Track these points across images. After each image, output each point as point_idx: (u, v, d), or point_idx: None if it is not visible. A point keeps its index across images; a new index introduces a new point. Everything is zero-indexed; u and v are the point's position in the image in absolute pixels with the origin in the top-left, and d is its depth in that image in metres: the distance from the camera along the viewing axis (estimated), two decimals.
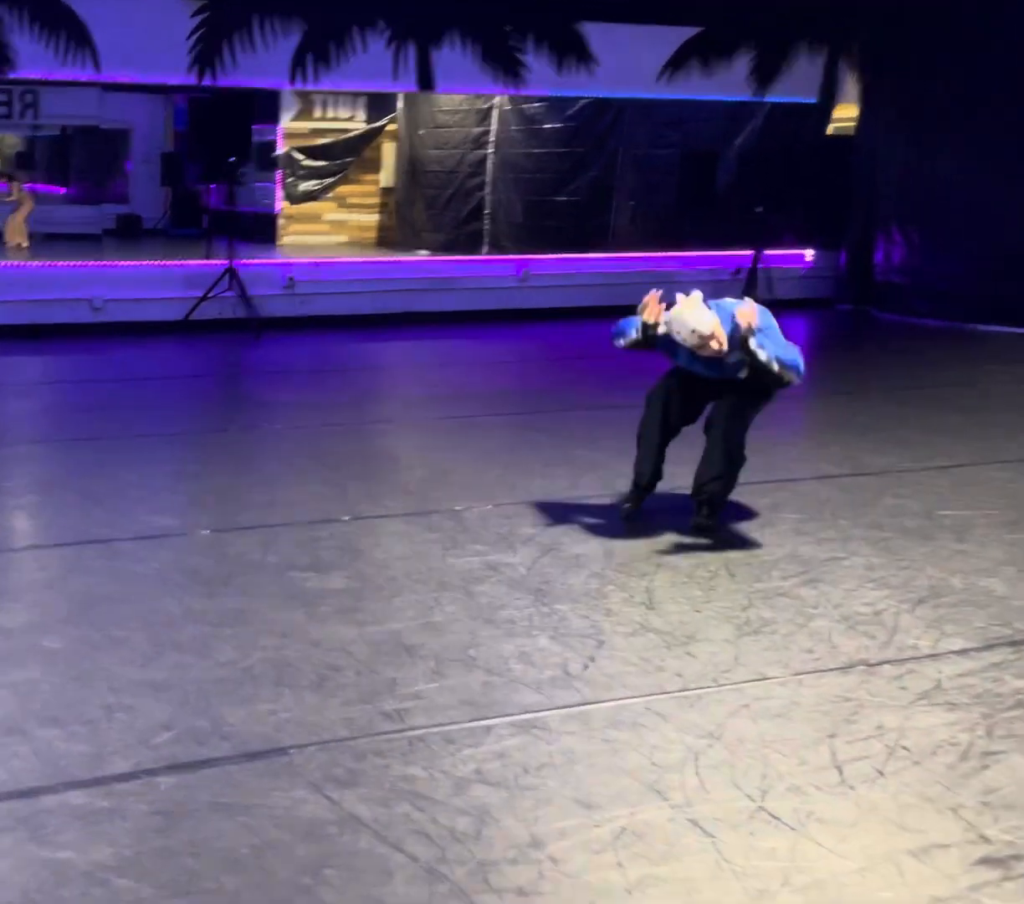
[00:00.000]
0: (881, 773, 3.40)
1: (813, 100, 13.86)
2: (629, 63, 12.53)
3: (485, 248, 16.91)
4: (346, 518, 5.64)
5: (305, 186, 18.40)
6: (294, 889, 2.81)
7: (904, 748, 3.54)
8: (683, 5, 12.59)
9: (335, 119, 18.63)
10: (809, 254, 14.26)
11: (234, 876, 2.85)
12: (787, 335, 5.47)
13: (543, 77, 12.11)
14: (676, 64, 12.87)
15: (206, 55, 10.62)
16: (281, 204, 18.38)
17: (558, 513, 5.75)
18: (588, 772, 3.36)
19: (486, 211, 17.12)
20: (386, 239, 19.20)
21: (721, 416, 5.54)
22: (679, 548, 5.30)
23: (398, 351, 11.04)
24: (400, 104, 18.19)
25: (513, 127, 16.70)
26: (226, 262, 10.94)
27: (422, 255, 16.91)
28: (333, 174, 18.62)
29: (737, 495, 6.05)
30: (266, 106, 17.87)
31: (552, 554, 5.18)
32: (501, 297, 12.55)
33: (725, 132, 14.39)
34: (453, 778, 3.31)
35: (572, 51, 12.21)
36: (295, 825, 3.07)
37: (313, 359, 10.38)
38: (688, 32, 12.80)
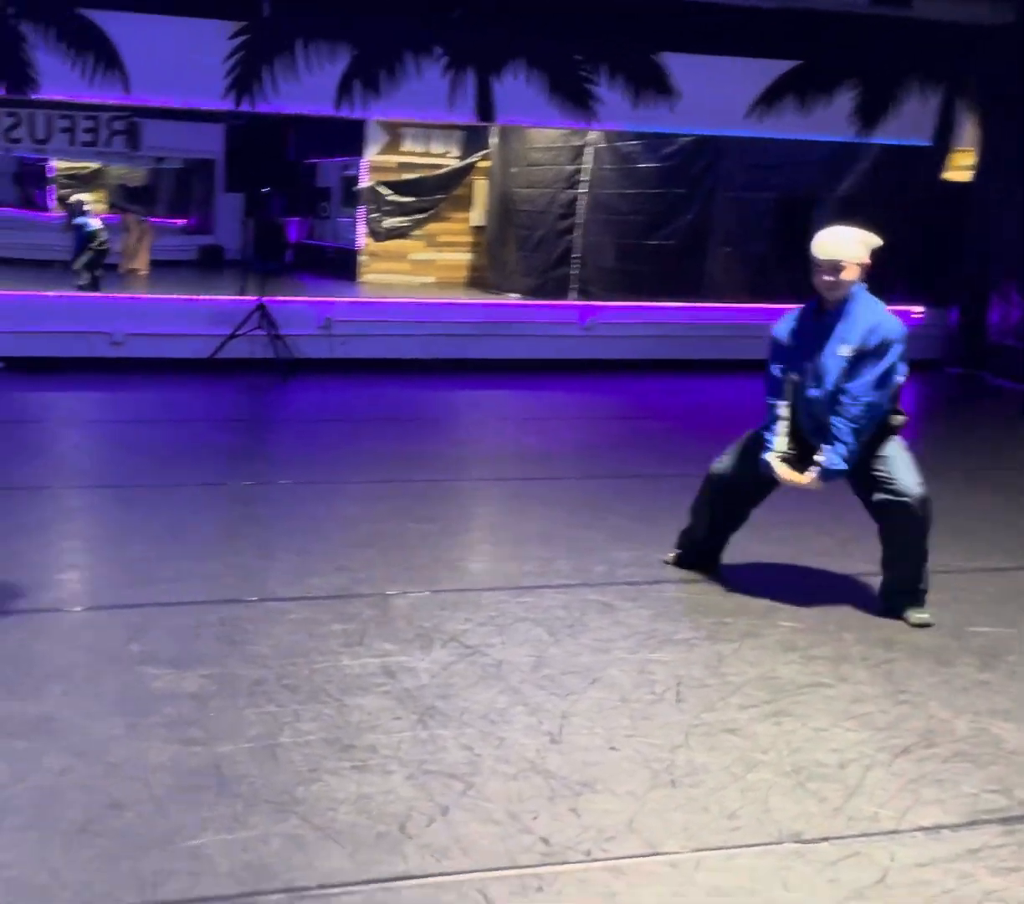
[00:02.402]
0: None
1: (925, 143, 12.91)
2: (716, 98, 11.74)
3: (573, 294, 16.23)
4: (253, 599, 4.93)
5: (391, 223, 17.98)
6: None
7: None
8: (779, 36, 11.78)
9: (426, 154, 18.19)
10: (917, 311, 13.25)
11: None
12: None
13: (617, 111, 11.38)
14: (769, 100, 12.05)
15: (244, 80, 10.13)
16: (363, 241, 17.96)
17: (504, 605, 4.97)
18: None
19: (575, 255, 16.46)
20: (478, 280, 18.68)
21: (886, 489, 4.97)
22: (633, 658, 4.47)
23: (436, 401, 10.35)
24: (493, 140, 17.70)
25: (607, 165, 16.07)
26: (256, 299, 10.38)
27: (513, 298, 16.33)
28: (422, 211, 18.18)
29: (726, 595, 5.24)
30: (350, 138, 17.55)
31: (471, 659, 4.40)
32: (562, 346, 11.81)
33: (828, 175, 13.53)
34: None
35: (651, 84, 11.48)
36: None
37: (340, 407, 9.75)
38: (784, 66, 11.99)
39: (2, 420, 8.17)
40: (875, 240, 4.90)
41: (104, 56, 9.76)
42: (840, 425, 4.88)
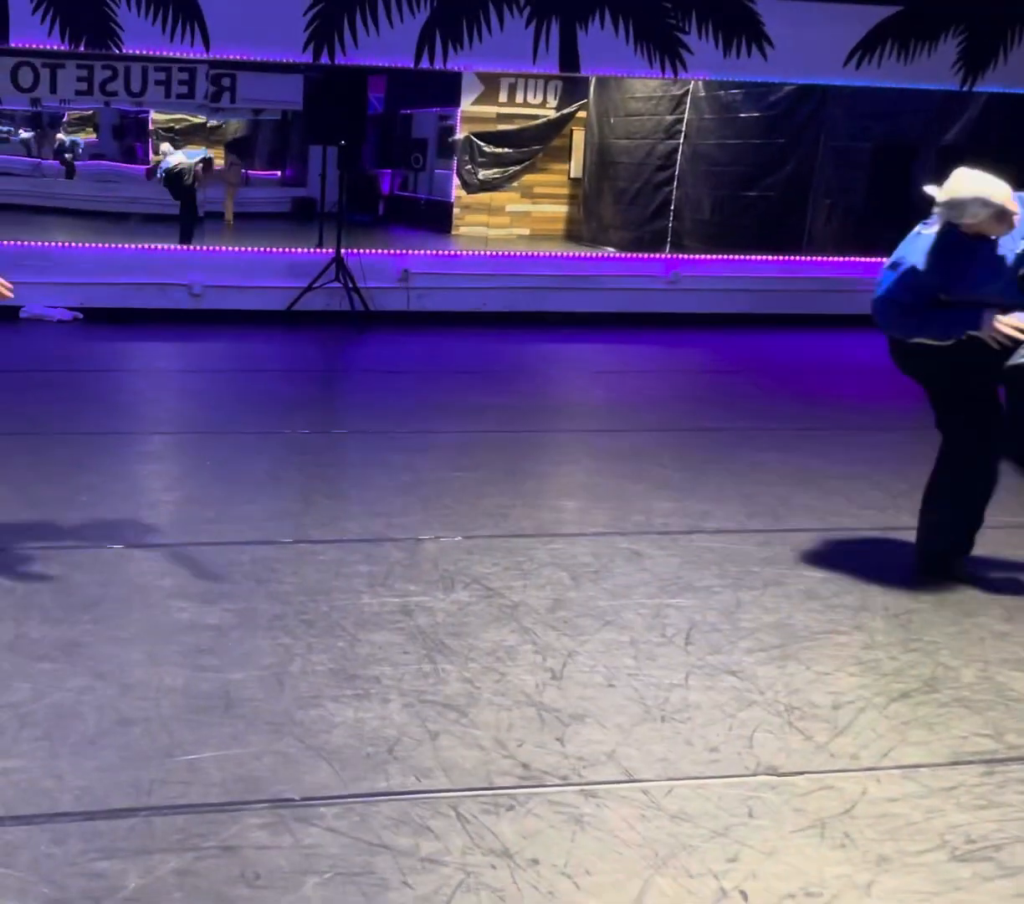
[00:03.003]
0: None
1: None
2: (812, 46, 11.75)
3: (668, 248, 16.31)
4: (287, 541, 5.23)
5: (485, 174, 18.12)
6: None
7: (740, 893, 2.90)
8: None
9: (524, 104, 18.32)
10: None
11: None
12: None
13: (707, 60, 11.45)
14: (868, 47, 12.01)
15: (325, 32, 10.38)
16: (456, 192, 18.18)
17: (533, 551, 5.20)
18: (317, 887, 2.85)
19: (672, 207, 16.52)
20: (573, 233, 18.81)
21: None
22: (650, 603, 4.69)
23: (510, 354, 10.56)
24: (591, 89, 17.77)
25: (707, 115, 16.07)
26: (333, 251, 10.69)
27: (609, 252, 16.45)
28: (518, 162, 18.30)
29: (760, 545, 5.42)
30: (446, 88, 17.74)
31: (490, 600, 4.65)
32: (646, 299, 11.95)
33: (935, 125, 13.43)
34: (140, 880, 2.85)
35: (743, 31, 11.51)
36: None
37: (411, 360, 10.02)
38: (884, 11, 11.94)
39: (76, 369, 8.60)
40: None
41: (183, 10, 10.08)
42: None
